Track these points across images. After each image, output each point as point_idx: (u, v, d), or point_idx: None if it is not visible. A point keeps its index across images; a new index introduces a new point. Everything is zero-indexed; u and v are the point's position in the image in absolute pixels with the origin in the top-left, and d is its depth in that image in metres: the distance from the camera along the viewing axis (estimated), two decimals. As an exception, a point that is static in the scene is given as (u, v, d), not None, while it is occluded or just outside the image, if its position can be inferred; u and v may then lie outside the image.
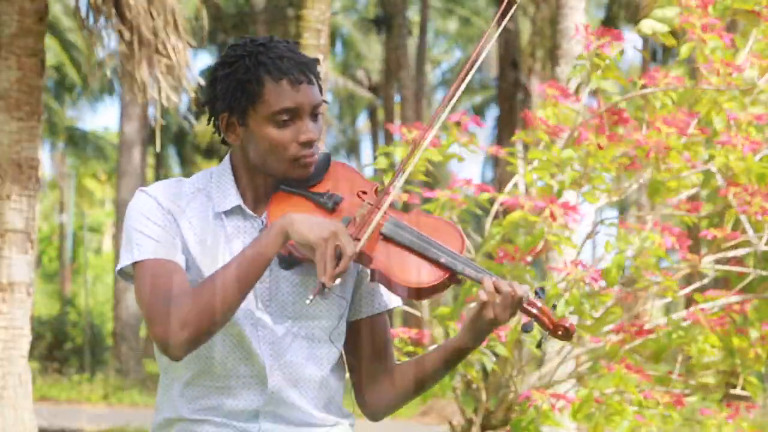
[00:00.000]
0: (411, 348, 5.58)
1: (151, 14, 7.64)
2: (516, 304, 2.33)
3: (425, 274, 2.35)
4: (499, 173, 17.86)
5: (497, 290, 2.32)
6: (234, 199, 2.44)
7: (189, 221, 2.42)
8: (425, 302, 5.91)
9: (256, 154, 2.41)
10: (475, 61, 2.43)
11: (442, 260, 2.35)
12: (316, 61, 2.45)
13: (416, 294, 2.37)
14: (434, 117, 2.45)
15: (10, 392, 7.21)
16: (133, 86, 7.69)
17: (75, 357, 21.97)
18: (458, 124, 5.83)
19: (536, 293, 2.36)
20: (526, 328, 2.36)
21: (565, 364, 6.03)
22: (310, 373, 2.43)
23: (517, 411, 5.50)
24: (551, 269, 5.75)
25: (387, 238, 2.38)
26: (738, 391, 5.62)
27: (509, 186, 5.98)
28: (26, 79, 7.34)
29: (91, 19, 7.82)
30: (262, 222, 2.43)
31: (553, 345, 5.87)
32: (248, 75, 2.38)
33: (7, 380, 7.21)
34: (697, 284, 6.06)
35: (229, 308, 2.31)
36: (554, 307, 2.36)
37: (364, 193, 2.43)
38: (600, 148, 5.54)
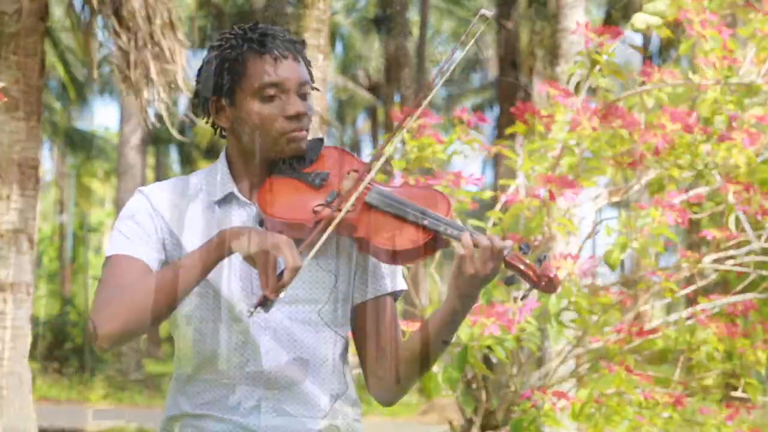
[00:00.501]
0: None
1: (148, 15, 7.64)
2: (497, 257, 2.29)
3: (409, 238, 2.35)
4: (501, 172, 17.86)
5: (475, 244, 2.30)
6: (227, 186, 2.44)
7: (189, 219, 2.43)
8: (425, 299, 5.90)
9: (246, 134, 2.42)
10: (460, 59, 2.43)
11: (425, 222, 2.35)
12: (302, 41, 2.47)
13: (402, 257, 2.36)
14: (422, 95, 2.45)
15: (10, 392, 7.21)
16: (130, 87, 7.69)
17: (75, 357, 21.95)
18: (461, 120, 5.82)
19: (520, 248, 2.33)
20: (508, 281, 2.33)
21: (565, 363, 6.03)
22: (314, 361, 2.41)
23: (517, 411, 5.49)
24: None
25: (371, 207, 2.39)
26: (739, 393, 5.61)
27: (512, 187, 5.96)
28: (26, 79, 7.34)
29: (87, 19, 7.83)
30: (256, 208, 2.43)
31: (553, 345, 5.86)
32: (233, 54, 2.40)
33: (7, 380, 7.21)
34: (695, 285, 6.05)
35: (160, 311, 2.29)
36: (539, 261, 2.33)
37: (356, 171, 2.44)
38: (594, 130, 5.53)
